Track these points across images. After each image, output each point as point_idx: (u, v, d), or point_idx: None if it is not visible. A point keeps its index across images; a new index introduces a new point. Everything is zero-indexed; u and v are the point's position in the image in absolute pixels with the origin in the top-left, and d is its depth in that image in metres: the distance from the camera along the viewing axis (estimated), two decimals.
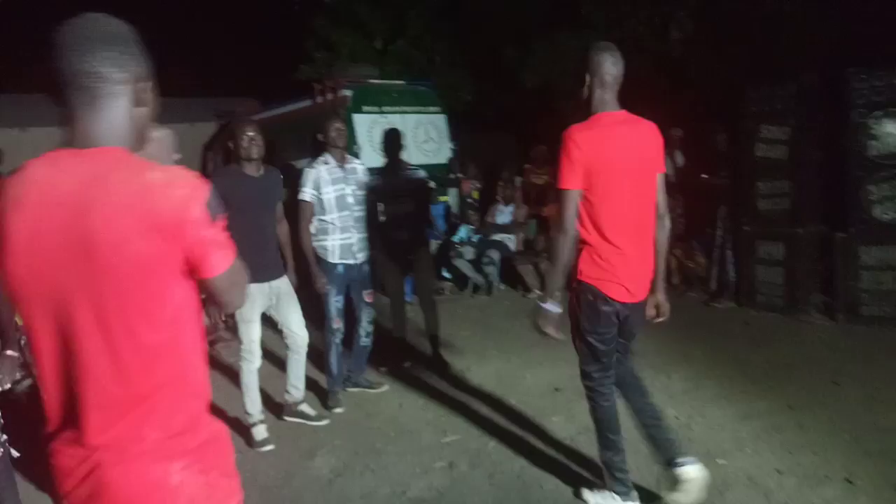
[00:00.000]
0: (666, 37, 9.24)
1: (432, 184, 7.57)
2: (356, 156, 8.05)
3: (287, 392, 4.25)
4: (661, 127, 2.92)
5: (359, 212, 4.47)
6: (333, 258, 4.39)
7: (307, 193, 4.32)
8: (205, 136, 9.91)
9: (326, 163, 4.37)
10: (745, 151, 6.51)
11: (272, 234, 3.98)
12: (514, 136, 10.91)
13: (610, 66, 2.71)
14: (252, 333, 3.90)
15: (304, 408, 4.27)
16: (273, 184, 4.00)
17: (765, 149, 6.37)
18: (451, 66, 11.23)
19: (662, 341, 5.31)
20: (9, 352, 2.69)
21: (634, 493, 2.96)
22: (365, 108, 8.18)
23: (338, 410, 4.40)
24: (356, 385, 4.73)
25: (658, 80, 8.47)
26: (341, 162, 4.41)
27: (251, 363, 3.93)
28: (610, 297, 2.77)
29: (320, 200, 4.33)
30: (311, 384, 4.56)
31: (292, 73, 11.75)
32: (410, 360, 5.27)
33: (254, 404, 3.97)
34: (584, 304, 2.82)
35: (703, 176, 6.89)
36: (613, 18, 9.48)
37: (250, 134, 3.81)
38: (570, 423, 3.99)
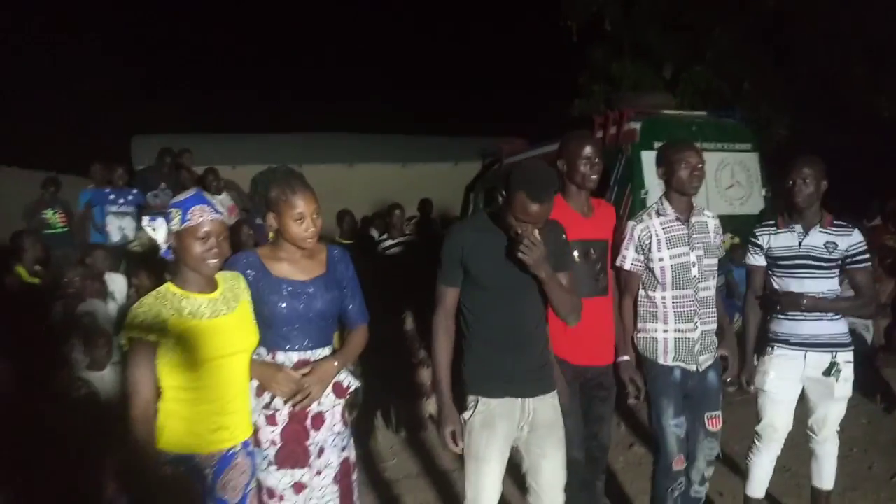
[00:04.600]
0: None
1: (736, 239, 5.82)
2: (642, 203, 6.47)
3: None
4: None
5: (706, 290, 2.91)
6: (666, 358, 2.87)
7: (628, 259, 2.90)
8: (468, 176, 9.37)
9: (662, 214, 2.89)
10: None
11: (540, 324, 2.51)
12: (853, 182, 8.41)
13: None
14: (488, 485, 2.40)
15: None
16: (550, 243, 2.43)
17: None
18: (762, 95, 9.09)
19: None
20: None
21: None
22: (657, 144, 6.67)
23: None
24: None
25: None
26: (685, 214, 2.90)
27: None
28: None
29: (649, 270, 2.88)
30: None
31: (564, 108, 10.66)
32: None
33: None
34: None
35: None
36: None
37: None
38: None
